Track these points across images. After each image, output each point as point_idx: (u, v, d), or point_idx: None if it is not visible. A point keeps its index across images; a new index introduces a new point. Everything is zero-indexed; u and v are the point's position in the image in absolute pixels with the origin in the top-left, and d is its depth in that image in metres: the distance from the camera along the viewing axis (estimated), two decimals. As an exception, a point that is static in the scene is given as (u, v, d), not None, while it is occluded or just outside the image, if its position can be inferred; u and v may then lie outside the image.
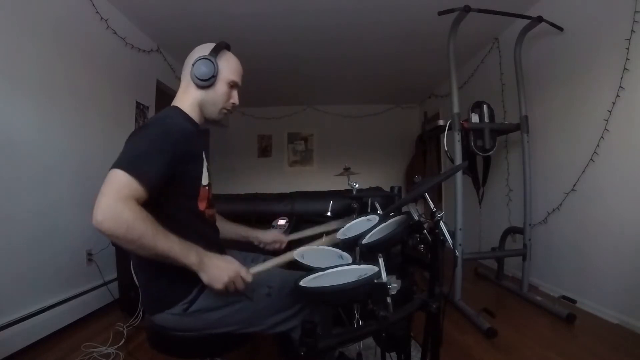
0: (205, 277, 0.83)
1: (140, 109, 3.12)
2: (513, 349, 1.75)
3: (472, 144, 2.51)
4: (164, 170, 0.84)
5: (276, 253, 1.33)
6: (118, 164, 0.79)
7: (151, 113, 3.27)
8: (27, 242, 1.92)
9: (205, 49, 1.03)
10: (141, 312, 2.09)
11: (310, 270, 0.95)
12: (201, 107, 1.05)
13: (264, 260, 1.21)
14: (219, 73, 1.01)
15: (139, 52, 3.06)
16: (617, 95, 2.03)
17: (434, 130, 4.04)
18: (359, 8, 2.84)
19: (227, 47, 1.07)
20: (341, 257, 1.05)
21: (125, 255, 2.04)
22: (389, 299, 0.95)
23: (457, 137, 2.36)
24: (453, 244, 0.91)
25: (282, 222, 1.85)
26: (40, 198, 2.01)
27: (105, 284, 2.40)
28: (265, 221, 1.98)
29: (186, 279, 0.91)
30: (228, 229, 1.24)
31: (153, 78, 3.38)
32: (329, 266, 0.96)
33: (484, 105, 2.58)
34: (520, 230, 2.57)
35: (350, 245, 1.06)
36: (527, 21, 2.49)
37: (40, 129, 2.03)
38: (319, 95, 5.47)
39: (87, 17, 2.40)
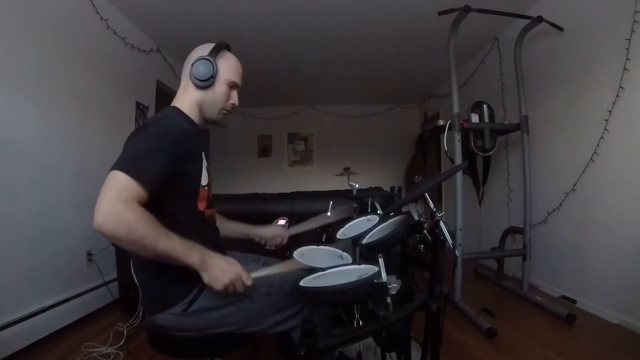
0: (206, 277, 0.84)
1: (140, 109, 3.12)
2: (513, 349, 1.75)
3: (472, 144, 2.51)
4: (163, 171, 0.84)
5: (276, 254, 1.33)
6: (118, 166, 0.79)
7: (151, 113, 3.27)
8: (27, 242, 1.92)
9: (205, 49, 1.03)
10: (141, 312, 2.09)
11: (310, 270, 0.95)
12: (200, 107, 1.05)
13: (265, 262, 1.21)
14: (218, 73, 1.01)
15: (139, 52, 3.06)
16: (617, 95, 2.03)
17: (434, 130, 4.04)
18: (359, 8, 2.84)
19: (227, 48, 1.07)
20: (341, 257, 1.05)
21: (125, 255, 2.04)
22: (389, 299, 0.96)
23: (457, 137, 2.36)
24: (453, 244, 0.91)
25: (282, 222, 1.85)
26: (40, 198, 2.01)
27: (105, 284, 2.40)
28: (265, 221, 1.96)
29: (186, 279, 0.91)
30: (229, 227, 1.24)
31: (153, 78, 3.38)
32: (329, 266, 0.96)
33: (484, 105, 2.58)
34: (520, 230, 2.57)
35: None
36: (527, 21, 2.49)
37: (40, 129, 2.03)
38: (319, 95, 5.47)
39: (87, 17, 2.40)
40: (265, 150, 6.11)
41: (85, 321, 2.21)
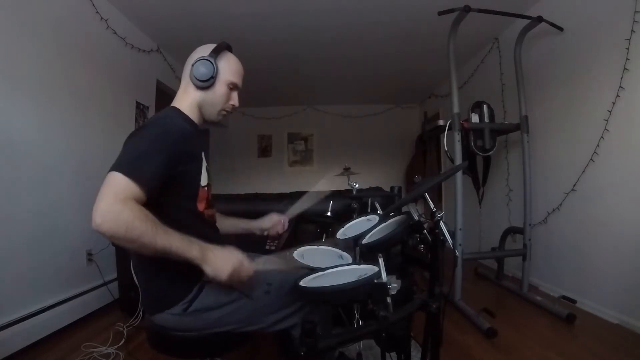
0: (209, 269, 0.82)
1: (140, 109, 3.12)
2: (513, 349, 1.75)
3: (472, 144, 2.51)
4: (162, 171, 0.84)
5: (275, 254, 1.33)
6: (116, 166, 0.79)
7: (151, 113, 3.27)
8: (27, 242, 1.92)
9: (206, 49, 1.03)
10: (141, 312, 2.09)
11: (310, 269, 0.95)
12: (200, 108, 1.05)
13: (265, 261, 1.21)
14: (218, 74, 1.01)
15: (139, 52, 3.06)
16: (617, 95, 2.03)
17: (434, 130, 4.04)
18: (359, 8, 2.84)
19: (228, 48, 1.06)
20: (341, 257, 1.06)
21: (125, 255, 2.04)
22: (389, 299, 0.96)
23: (457, 137, 2.36)
24: (453, 244, 0.91)
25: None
26: (40, 198, 2.01)
27: (105, 284, 2.40)
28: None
29: (186, 279, 0.91)
30: (228, 224, 1.25)
31: (153, 78, 3.38)
32: (329, 266, 0.96)
33: (484, 105, 2.58)
34: (520, 230, 2.57)
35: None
36: (527, 21, 2.49)
37: (40, 129, 2.03)
38: (319, 95, 5.47)
39: (87, 17, 2.40)
40: (265, 150, 6.11)
41: (85, 321, 2.21)
